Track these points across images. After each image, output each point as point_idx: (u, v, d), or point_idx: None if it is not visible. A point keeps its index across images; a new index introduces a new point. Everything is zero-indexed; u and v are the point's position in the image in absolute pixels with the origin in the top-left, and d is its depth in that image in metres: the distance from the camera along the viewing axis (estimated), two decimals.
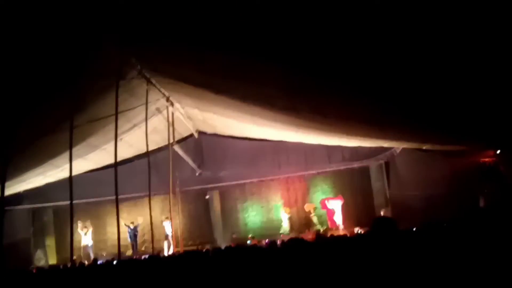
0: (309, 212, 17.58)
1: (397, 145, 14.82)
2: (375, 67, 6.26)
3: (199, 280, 4.62)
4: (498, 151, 11.40)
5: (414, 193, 13.83)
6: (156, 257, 7.56)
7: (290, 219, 17.49)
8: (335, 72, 6.91)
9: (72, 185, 8.61)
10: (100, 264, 8.90)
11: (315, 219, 17.34)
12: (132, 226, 16.74)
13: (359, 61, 6.21)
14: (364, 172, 17.89)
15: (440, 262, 3.07)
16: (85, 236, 16.78)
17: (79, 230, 16.56)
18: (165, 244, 16.08)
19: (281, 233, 16.93)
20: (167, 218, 15.47)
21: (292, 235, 16.27)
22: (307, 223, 17.72)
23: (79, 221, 16.66)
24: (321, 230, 16.05)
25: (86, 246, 16.76)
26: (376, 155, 16.65)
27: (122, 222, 15.84)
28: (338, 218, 16.94)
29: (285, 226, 17.39)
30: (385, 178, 17.28)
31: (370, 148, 15.94)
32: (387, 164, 17.04)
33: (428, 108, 7.68)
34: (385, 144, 14.25)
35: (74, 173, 9.00)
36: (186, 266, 5.33)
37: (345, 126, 11.10)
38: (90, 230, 17.09)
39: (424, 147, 12.44)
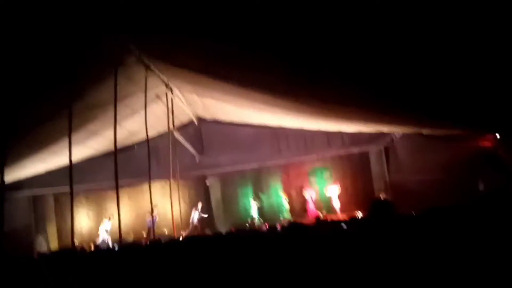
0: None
1: (396, 130, 14.82)
2: (372, 54, 6.24)
3: (200, 264, 4.62)
4: (498, 136, 11.37)
5: (414, 178, 13.83)
6: (158, 243, 7.50)
7: (289, 203, 17.86)
8: (332, 59, 6.90)
9: (72, 171, 8.60)
10: (102, 250, 8.94)
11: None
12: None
13: (356, 48, 6.19)
14: (364, 157, 17.92)
15: (439, 248, 3.01)
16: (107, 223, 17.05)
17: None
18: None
19: (282, 218, 17.24)
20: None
21: (292, 219, 16.72)
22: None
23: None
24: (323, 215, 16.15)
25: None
26: (376, 140, 16.69)
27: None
28: (336, 204, 17.09)
29: (286, 210, 17.72)
30: (385, 163, 17.31)
31: (370, 133, 15.96)
32: (386, 149, 17.07)
33: (426, 92, 7.66)
34: (384, 129, 14.25)
35: (74, 160, 9.00)
36: (188, 251, 5.30)
37: (345, 111, 11.08)
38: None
39: (423, 132, 12.42)
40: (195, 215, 17.35)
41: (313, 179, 18.50)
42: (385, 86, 7.48)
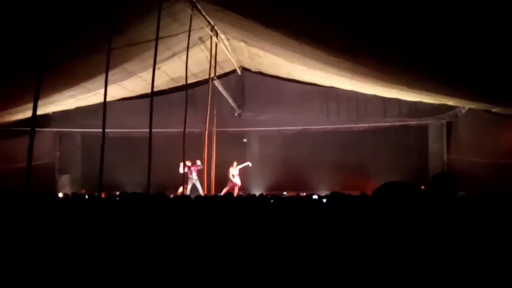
0: None
1: (463, 104, 14.44)
2: (446, 14, 6.08)
3: (227, 226, 4.48)
4: None
5: (476, 159, 13.59)
6: (184, 197, 7.28)
7: None
8: (400, 15, 6.74)
9: (105, 112, 8.75)
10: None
11: None
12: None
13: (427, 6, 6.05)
14: (422, 131, 17.69)
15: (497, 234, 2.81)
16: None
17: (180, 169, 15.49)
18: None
19: None
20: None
21: None
22: None
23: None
24: None
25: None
26: (438, 113, 16.39)
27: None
28: None
29: None
30: (445, 140, 17.10)
31: (432, 105, 15.66)
32: (449, 124, 16.80)
33: (503, 66, 7.45)
34: (449, 101, 13.88)
35: (107, 100, 9.09)
36: (213, 210, 5.25)
37: (408, 76, 10.87)
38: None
39: (494, 110, 12.09)
40: (234, 171, 17.36)
41: (362, 148, 18.03)
42: (461, 52, 7.29)
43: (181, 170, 14.70)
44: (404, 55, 8.78)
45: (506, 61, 7.16)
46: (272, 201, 5.94)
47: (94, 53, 10.23)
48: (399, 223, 2.22)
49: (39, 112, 13.97)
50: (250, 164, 17.90)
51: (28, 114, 12.11)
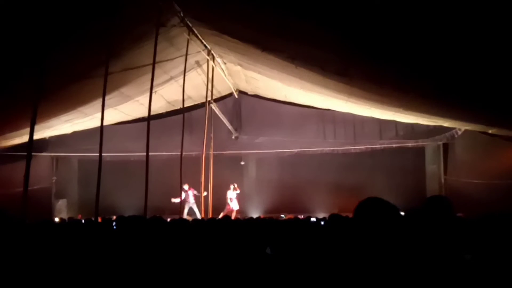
0: None
1: (459, 126, 14.51)
2: (441, 36, 6.13)
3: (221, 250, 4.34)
4: None
5: (474, 181, 13.58)
6: (181, 220, 7.29)
7: None
8: (395, 38, 6.80)
9: (102, 136, 8.74)
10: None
11: None
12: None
13: (423, 28, 6.10)
14: (419, 153, 17.80)
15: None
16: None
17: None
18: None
19: None
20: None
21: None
22: None
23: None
24: None
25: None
26: (434, 135, 16.50)
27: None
28: None
29: None
30: (442, 161, 17.14)
31: (428, 126, 15.75)
32: (445, 146, 16.87)
33: (498, 87, 7.50)
34: (445, 123, 13.94)
35: (103, 124, 9.12)
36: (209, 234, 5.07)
37: (403, 99, 10.91)
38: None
39: (490, 131, 12.13)
40: (232, 195, 17.33)
41: (360, 170, 17.97)
42: (455, 74, 7.34)
43: (175, 200, 14.81)
44: (398, 77, 8.87)
45: (501, 83, 7.21)
46: (270, 223, 5.85)
47: (91, 78, 10.25)
48: (385, 244, 2.23)
49: (36, 136, 13.97)
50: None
51: (25, 138, 12.05)
